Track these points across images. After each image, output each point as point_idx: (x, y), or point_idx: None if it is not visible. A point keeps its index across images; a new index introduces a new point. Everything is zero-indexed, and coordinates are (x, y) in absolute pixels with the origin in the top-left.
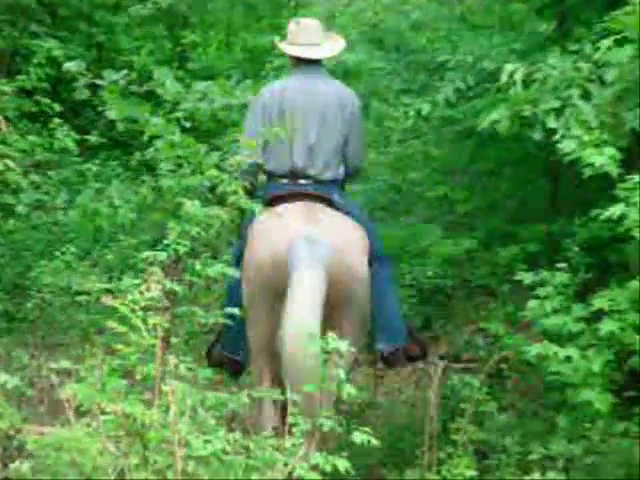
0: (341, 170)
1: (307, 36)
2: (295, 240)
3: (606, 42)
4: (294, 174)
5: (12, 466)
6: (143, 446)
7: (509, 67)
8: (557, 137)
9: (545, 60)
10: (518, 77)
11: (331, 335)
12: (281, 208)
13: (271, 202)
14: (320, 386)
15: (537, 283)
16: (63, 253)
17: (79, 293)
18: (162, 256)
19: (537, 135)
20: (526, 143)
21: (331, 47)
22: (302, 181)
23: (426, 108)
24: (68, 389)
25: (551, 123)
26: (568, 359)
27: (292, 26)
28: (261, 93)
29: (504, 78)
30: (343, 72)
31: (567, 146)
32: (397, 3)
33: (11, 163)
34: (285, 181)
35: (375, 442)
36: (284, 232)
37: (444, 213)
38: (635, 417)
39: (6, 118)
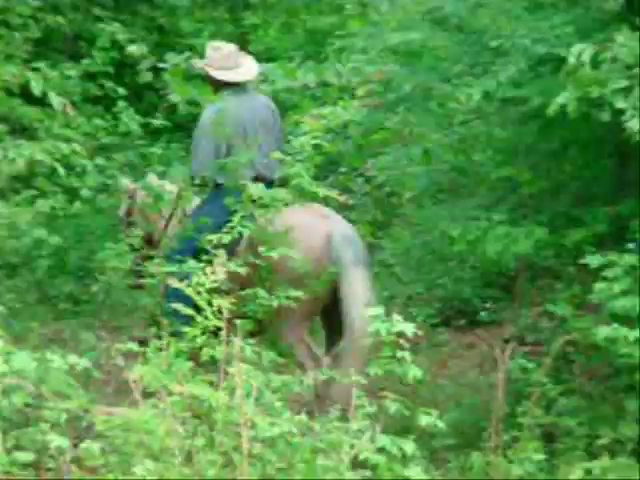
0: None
1: (231, 60)
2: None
3: None
4: (257, 180)
5: (82, 446)
6: (209, 427)
7: (577, 47)
8: (625, 117)
9: (613, 38)
10: (586, 57)
11: (397, 317)
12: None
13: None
14: (387, 368)
15: (604, 265)
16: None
17: (143, 276)
18: (226, 238)
19: (605, 116)
20: (593, 124)
21: (251, 67)
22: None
23: (491, 87)
24: (135, 371)
25: (619, 103)
26: (637, 341)
27: (212, 52)
28: (206, 117)
29: (572, 59)
30: (405, 52)
31: (635, 125)
32: None
33: (77, 146)
34: None
35: (441, 425)
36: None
37: (508, 195)
38: None
39: (72, 102)
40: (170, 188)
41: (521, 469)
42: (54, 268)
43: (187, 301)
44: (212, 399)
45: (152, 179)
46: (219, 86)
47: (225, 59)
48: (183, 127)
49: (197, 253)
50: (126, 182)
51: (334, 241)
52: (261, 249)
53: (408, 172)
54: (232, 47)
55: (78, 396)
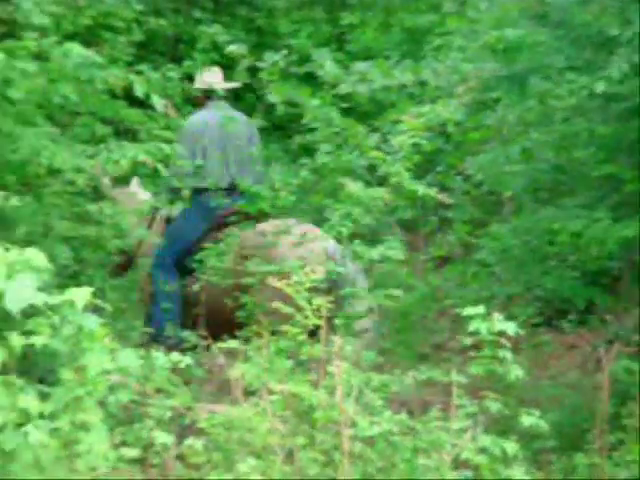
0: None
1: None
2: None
3: None
4: (231, 187)
5: (185, 443)
6: (310, 426)
7: None
8: None
9: None
10: None
11: (497, 316)
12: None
13: None
14: (487, 368)
15: None
16: (228, 235)
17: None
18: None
19: None
20: None
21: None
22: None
23: (600, 85)
24: (236, 369)
25: None
26: None
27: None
28: (187, 125)
29: None
30: (503, 48)
31: None
32: None
33: (178, 147)
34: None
35: (544, 425)
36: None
37: (610, 193)
38: None
39: (173, 104)
40: (144, 197)
41: (627, 472)
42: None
43: (176, 301)
44: (312, 398)
45: (134, 185)
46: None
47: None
48: (281, 127)
49: (180, 255)
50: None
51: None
52: None
53: (507, 171)
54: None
55: (181, 394)
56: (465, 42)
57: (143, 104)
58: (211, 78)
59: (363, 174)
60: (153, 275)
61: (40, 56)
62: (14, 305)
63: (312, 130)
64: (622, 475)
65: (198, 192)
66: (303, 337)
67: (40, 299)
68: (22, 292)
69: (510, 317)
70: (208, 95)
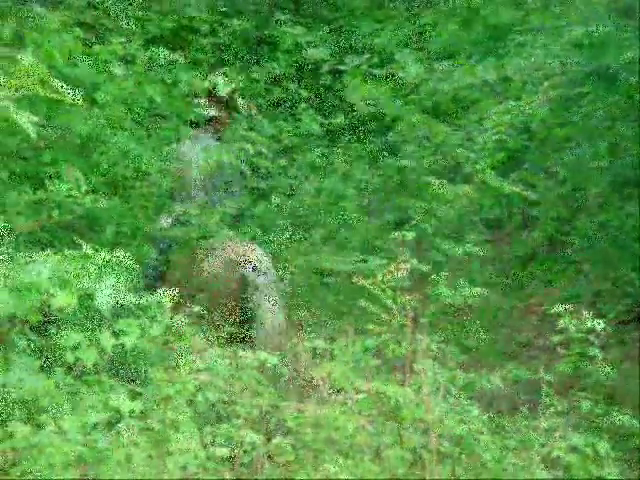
0: None
1: None
2: None
3: None
4: None
5: (273, 442)
6: (397, 425)
7: None
8: None
9: None
10: None
11: (586, 314)
12: None
13: None
14: (576, 366)
15: None
16: (310, 235)
17: (327, 274)
18: (409, 236)
19: None
20: None
21: None
22: None
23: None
24: (322, 368)
25: None
26: None
27: None
28: None
29: None
30: (589, 44)
31: None
32: None
33: (263, 149)
34: None
35: (636, 424)
36: None
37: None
38: None
39: (256, 105)
40: None
41: None
42: None
43: None
44: (399, 396)
45: None
46: None
47: None
48: (362, 127)
49: None
50: None
51: None
52: None
53: (593, 167)
54: None
55: (268, 392)
56: (549, 39)
57: (229, 108)
58: None
59: (447, 172)
60: None
61: (127, 59)
62: (104, 305)
63: (392, 127)
64: None
65: None
66: (389, 335)
67: (129, 300)
68: (112, 292)
69: (598, 314)
70: None
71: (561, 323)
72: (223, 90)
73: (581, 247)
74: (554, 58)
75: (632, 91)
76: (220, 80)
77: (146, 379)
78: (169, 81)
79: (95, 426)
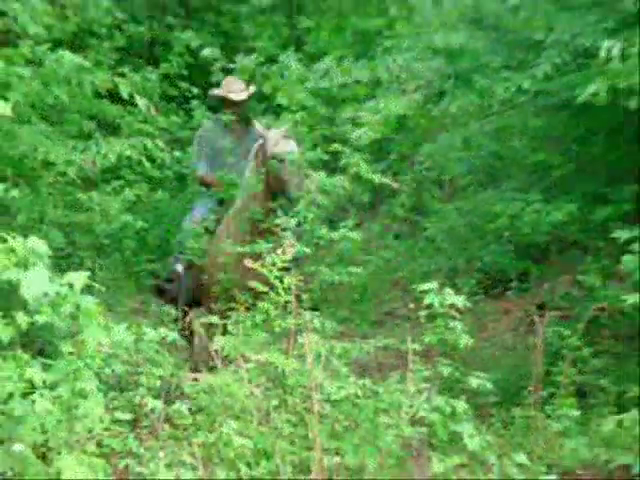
0: None
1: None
2: None
3: None
4: None
5: (172, 407)
6: (283, 391)
7: (606, 44)
8: None
9: (636, 36)
10: (615, 52)
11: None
12: None
13: None
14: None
15: (631, 239)
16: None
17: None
18: (292, 222)
19: (633, 104)
20: (616, 112)
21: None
22: None
23: (527, 83)
24: (217, 341)
25: None
26: None
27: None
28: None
29: (602, 54)
30: (447, 53)
31: None
32: None
33: (160, 142)
34: None
35: (489, 385)
36: None
37: (541, 177)
38: None
39: (155, 103)
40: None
41: (558, 423)
42: (138, 248)
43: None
44: (285, 365)
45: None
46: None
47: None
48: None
49: None
50: None
51: None
52: None
53: (450, 157)
54: (228, 79)
55: (167, 363)
56: (412, 44)
57: (126, 103)
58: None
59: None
60: None
61: (34, 62)
62: (30, 293)
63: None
64: (554, 426)
65: None
66: (275, 312)
67: (53, 289)
68: (37, 282)
69: (454, 287)
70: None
71: (427, 299)
72: (123, 90)
73: (440, 228)
74: (417, 61)
75: (484, 92)
76: (120, 81)
77: (56, 352)
78: (74, 81)
79: (11, 395)
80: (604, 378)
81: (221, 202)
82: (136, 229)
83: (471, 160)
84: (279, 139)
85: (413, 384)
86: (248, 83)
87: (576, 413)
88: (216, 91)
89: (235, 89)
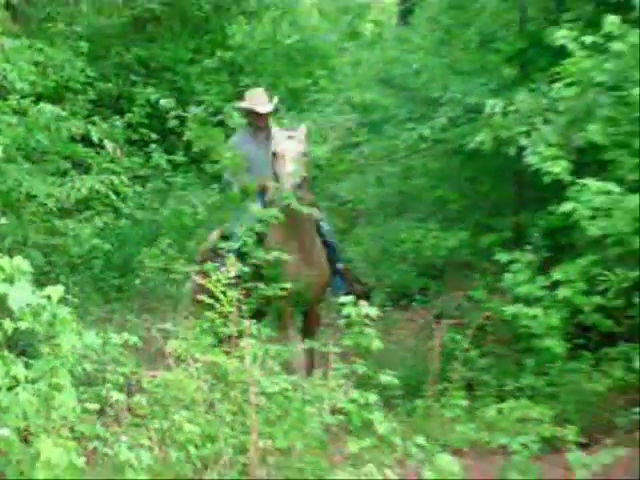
0: None
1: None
2: None
3: (557, 84)
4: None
5: (133, 399)
6: (225, 385)
7: (490, 102)
8: (526, 152)
9: (515, 96)
10: (498, 109)
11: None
12: None
13: None
14: (355, 341)
15: (510, 261)
16: (160, 243)
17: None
18: (235, 246)
19: (512, 151)
20: (500, 157)
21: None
22: None
23: (427, 132)
24: (170, 344)
25: (522, 142)
26: (534, 316)
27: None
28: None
29: (487, 110)
30: (362, 107)
31: (532, 159)
32: (403, 54)
33: (124, 179)
34: None
35: (395, 381)
36: None
37: (439, 210)
38: (583, 358)
39: (120, 146)
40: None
41: (451, 411)
42: (104, 267)
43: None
44: (227, 365)
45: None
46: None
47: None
48: (197, 161)
49: None
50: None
51: None
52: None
53: (365, 192)
54: (252, 91)
55: (129, 362)
56: (333, 100)
57: (96, 146)
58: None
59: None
60: None
61: (20, 112)
62: (15, 304)
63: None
64: (447, 414)
65: None
66: (220, 320)
67: (34, 300)
68: (21, 295)
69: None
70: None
71: (346, 310)
72: (94, 135)
73: (357, 251)
74: (338, 114)
75: (394, 139)
76: (91, 128)
77: (36, 353)
78: (53, 128)
79: None
80: (487, 374)
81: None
82: (103, 251)
83: (382, 195)
84: (284, 138)
85: (333, 380)
86: (270, 95)
87: (465, 403)
88: (243, 104)
89: (260, 101)
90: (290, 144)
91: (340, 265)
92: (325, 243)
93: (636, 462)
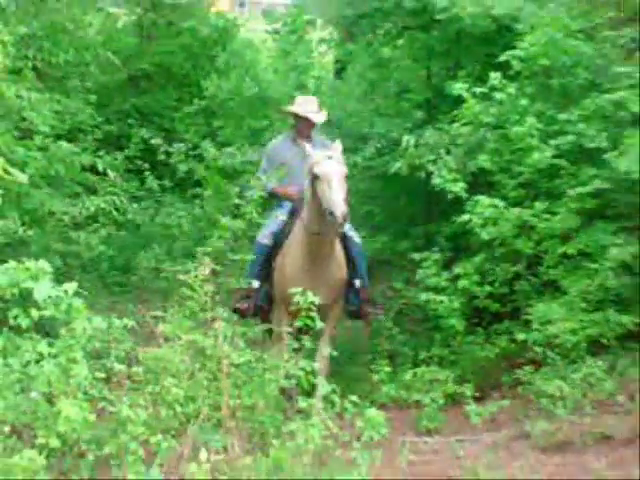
0: None
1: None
2: None
3: (456, 124)
4: None
5: (132, 369)
6: (203, 358)
7: (405, 137)
8: (433, 177)
9: (424, 133)
10: (411, 143)
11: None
12: None
13: None
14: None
15: (422, 259)
16: (152, 249)
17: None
18: (209, 250)
19: (422, 175)
20: (414, 180)
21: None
22: None
23: (359, 160)
24: (160, 326)
25: (430, 168)
26: (441, 302)
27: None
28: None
29: (404, 144)
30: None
31: (438, 182)
32: (339, 101)
33: (123, 199)
34: None
35: (335, 353)
36: None
37: (368, 221)
38: (477, 333)
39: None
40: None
41: (377, 376)
42: (109, 268)
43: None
44: (204, 343)
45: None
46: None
47: (303, 105)
48: (180, 185)
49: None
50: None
51: None
52: None
53: None
54: (304, 98)
55: (127, 342)
56: None
57: (102, 174)
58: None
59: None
60: None
61: (43, 148)
62: (39, 296)
63: (199, 185)
64: (375, 377)
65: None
66: (198, 309)
67: (54, 293)
68: (44, 289)
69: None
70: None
71: (295, 298)
72: (100, 166)
73: None
74: None
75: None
76: (98, 160)
77: (57, 334)
78: (68, 160)
79: (29, 362)
80: (405, 347)
81: (292, 214)
82: (108, 255)
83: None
84: (322, 158)
85: (287, 353)
86: (320, 105)
87: (388, 369)
88: (296, 109)
89: (313, 109)
90: (333, 166)
91: (358, 282)
92: (349, 258)
93: (518, 410)
